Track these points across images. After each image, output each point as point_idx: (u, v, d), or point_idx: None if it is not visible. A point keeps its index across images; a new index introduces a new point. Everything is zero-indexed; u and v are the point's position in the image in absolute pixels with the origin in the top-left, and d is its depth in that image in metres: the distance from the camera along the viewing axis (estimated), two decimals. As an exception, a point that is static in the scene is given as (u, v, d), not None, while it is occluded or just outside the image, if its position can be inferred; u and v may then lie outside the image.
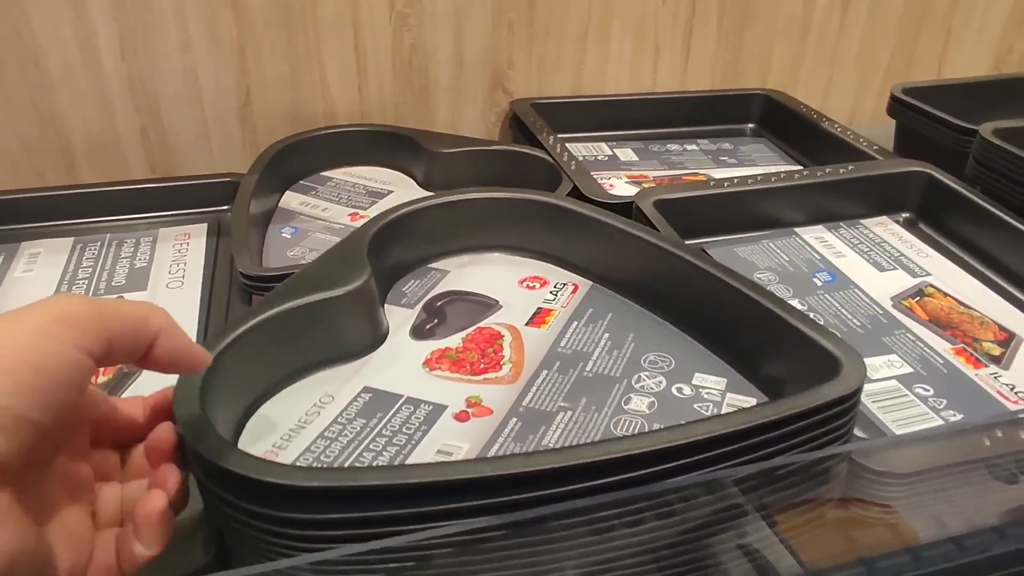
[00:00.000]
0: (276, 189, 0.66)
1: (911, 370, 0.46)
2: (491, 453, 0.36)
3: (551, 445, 0.36)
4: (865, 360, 0.47)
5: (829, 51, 0.85)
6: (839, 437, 0.34)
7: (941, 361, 0.47)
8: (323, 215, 0.64)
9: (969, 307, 0.52)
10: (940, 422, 0.43)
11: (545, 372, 0.42)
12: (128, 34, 0.65)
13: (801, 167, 0.74)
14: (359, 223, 0.63)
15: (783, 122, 0.80)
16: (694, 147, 0.79)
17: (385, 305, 0.47)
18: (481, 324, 0.46)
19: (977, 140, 0.61)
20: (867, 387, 0.45)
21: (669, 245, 0.46)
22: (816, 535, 0.38)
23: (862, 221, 0.62)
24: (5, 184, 0.66)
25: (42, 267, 0.58)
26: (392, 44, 0.72)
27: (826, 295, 0.53)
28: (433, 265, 0.52)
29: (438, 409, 0.39)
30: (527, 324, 0.46)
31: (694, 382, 0.41)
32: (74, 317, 0.26)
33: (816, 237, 0.60)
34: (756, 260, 0.57)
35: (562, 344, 0.44)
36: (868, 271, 0.56)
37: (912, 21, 0.86)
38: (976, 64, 0.91)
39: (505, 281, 0.49)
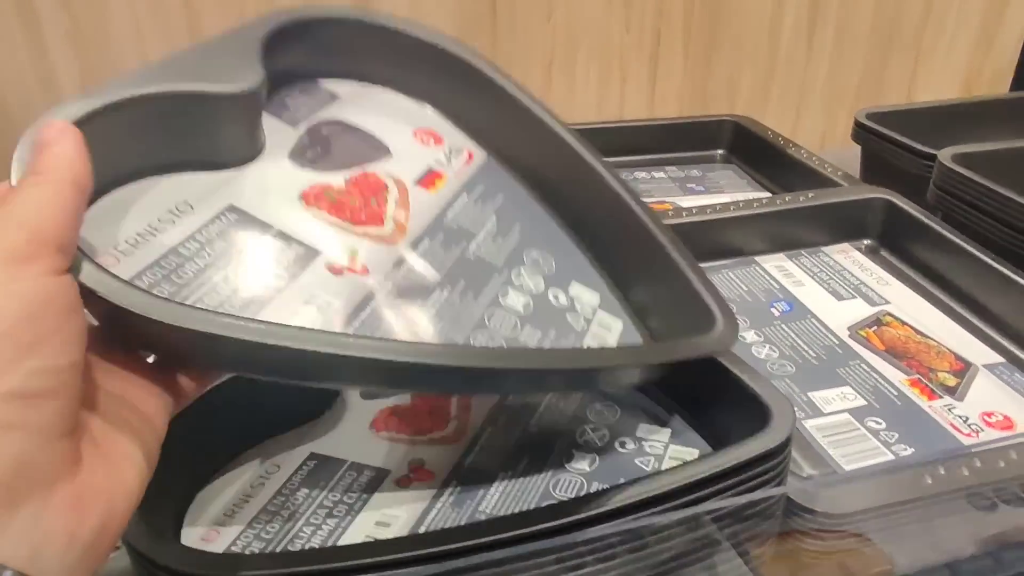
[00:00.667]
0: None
1: (864, 402, 0.46)
2: (359, 317, 0.33)
3: (426, 336, 0.34)
4: (818, 392, 0.47)
5: (797, 76, 0.85)
6: (771, 481, 0.33)
7: (895, 393, 0.47)
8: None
9: (927, 336, 0.52)
10: (891, 456, 0.42)
11: (427, 240, 0.39)
12: (89, 71, 0.65)
13: (769, 193, 0.73)
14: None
15: (752, 148, 0.80)
16: (662, 175, 0.79)
17: (263, 113, 0.39)
18: (367, 168, 0.40)
19: (936, 166, 0.61)
20: (818, 421, 0.45)
21: (576, 141, 0.44)
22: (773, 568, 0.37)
23: (823, 248, 0.62)
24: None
25: None
26: (355, 77, 0.72)
27: (783, 325, 0.53)
28: (325, 85, 0.44)
29: (310, 253, 0.34)
30: (416, 183, 0.41)
31: (570, 292, 0.41)
32: (23, 252, 0.23)
33: (776, 266, 0.60)
34: (714, 290, 0.57)
35: (448, 215, 0.41)
36: (826, 300, 0.55)
37: (880, 45, 0.86)
38: (947, 86, 0.92)
39: (399, 127, 0.44)
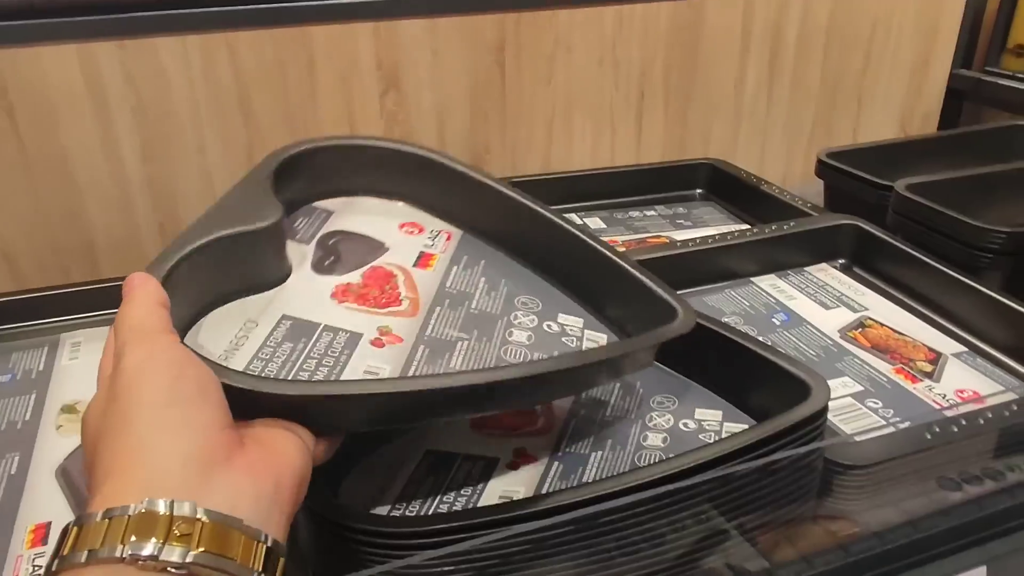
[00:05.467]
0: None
1: (861, 388, 0.56)
2: (409, 373, 0.42)
3: (457, 368, 0.43)
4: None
5: (760, 123, 0.98)
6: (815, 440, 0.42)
7: (885, 379, 0.57)
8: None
9: (902, 334, 0.62)
10: (891, 428, 0.52)
11: (439, 308, 0.47)
12: (149, 142, 0.72)
13: (748, 225, 0.84)
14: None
15: (727, 187, 0.91)
16: (653, 212, 0.89)
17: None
18: (374, 263, 0.50)
19: (893, 195, 0.73)
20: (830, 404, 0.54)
21: (530, 202, 0.53)
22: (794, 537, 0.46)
23: (806, 268, 0.72)
24: (35, 282, 0.71)
25: (85, 354, 0.63)
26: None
27: (784, 332, 0.63)
28: (317, 205, 0.54)
29: (355, 336, 0.44)
30: (414, 266, 0.50)
31: (559, 320, 0.49)
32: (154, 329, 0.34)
33: (770, 284, 0.70)
34: (722, 307, 0.66)
35: (448, 285, 0.49)
36: (816, 310, 0.66)
37: (827, 94, 1.00)
38: (885, 127, 1.05)
39: (386, 225, 0.53)
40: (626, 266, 0.50)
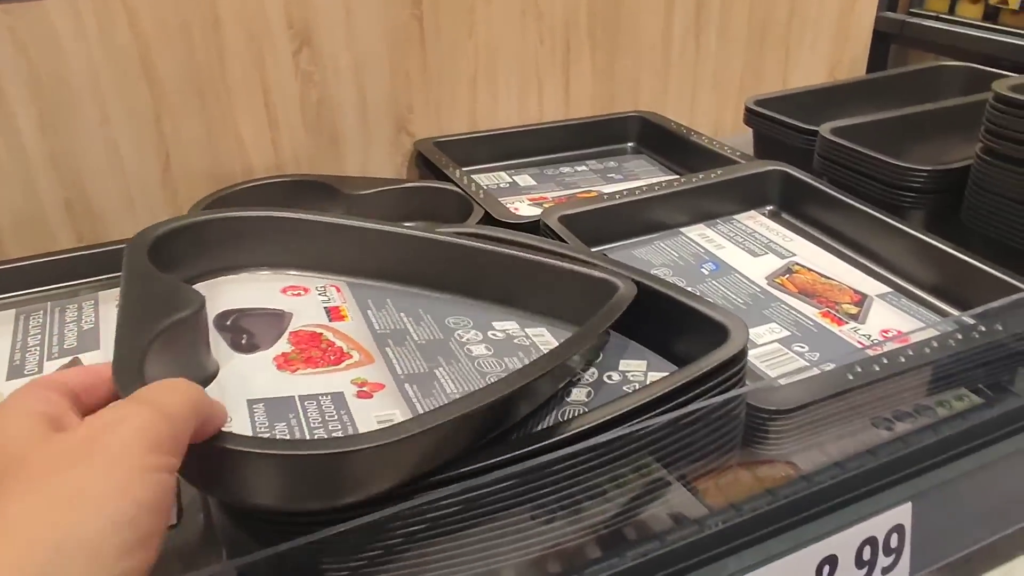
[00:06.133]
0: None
1: (788, 333, 0.55)
2: (417, 411, 0.40)
3: (457, 394, 0.42)
4: (750, 329, 0.56)
5: (689, 73, 0.97)
6: (736, 386, 0.42)
7: (812, 323, 0.56)
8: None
9: (829, 278, 0.62)
10: (817, 371, 0.52)
11: (388, 349, 0.46)
12: (47, 113, 0.68)
13: (678, 176, 0.83)
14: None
15: (658, 139, 0.90)
16: (584, 168, 0.88)
17: None
18: (290, 330, 0.47)
19: (819, 139, 0.73)
20: (755, 351, 0.54)
21: (404, 230, 0.52)
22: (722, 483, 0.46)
23: (735, 216, 0.72)
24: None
25: (-10, 338, 0.60)
26: (300, 100, 0.78)
27: (713, 281, 0.62)
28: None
29: (337, 395, 0.41)
30: (331, 321, 0.48)
31: (499, 328, 0.49)
32: (159, 441, 0.27)
33: (699, 234, 0.69)
34: (651, 259, 0.66)
35: (376, 327, 0.48)
36: (744, 258, 0.65)
37: (755, 42, 0.99)
38: (814, 73, 1.05)
39: (268, 293, 0.50)
40: (529, 256, 0.50)
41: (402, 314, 0.50)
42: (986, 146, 0.60)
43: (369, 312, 0.50)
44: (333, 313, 0.49)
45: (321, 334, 0.47)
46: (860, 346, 0.54)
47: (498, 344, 0.48)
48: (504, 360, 0.46)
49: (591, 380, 0.47)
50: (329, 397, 0.41)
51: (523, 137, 0.88)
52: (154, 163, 0.74)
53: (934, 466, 0.47)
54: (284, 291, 0.50)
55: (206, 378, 0.41)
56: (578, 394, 0.46)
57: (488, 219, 0.67)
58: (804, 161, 0.74)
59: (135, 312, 0.39)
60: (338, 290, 0.51)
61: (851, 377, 0.45)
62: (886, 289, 0.61)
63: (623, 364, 0.48)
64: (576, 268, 0.50)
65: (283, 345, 0.45)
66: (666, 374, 0.47)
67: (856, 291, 0.60)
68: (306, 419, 0.39)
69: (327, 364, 0.44)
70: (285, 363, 0.43)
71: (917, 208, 0.66)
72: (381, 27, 0.78)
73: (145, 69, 0.70)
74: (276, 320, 0.47)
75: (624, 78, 0.93)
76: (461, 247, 0.51)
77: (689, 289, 0.60)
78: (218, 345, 0.44)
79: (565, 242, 0.61)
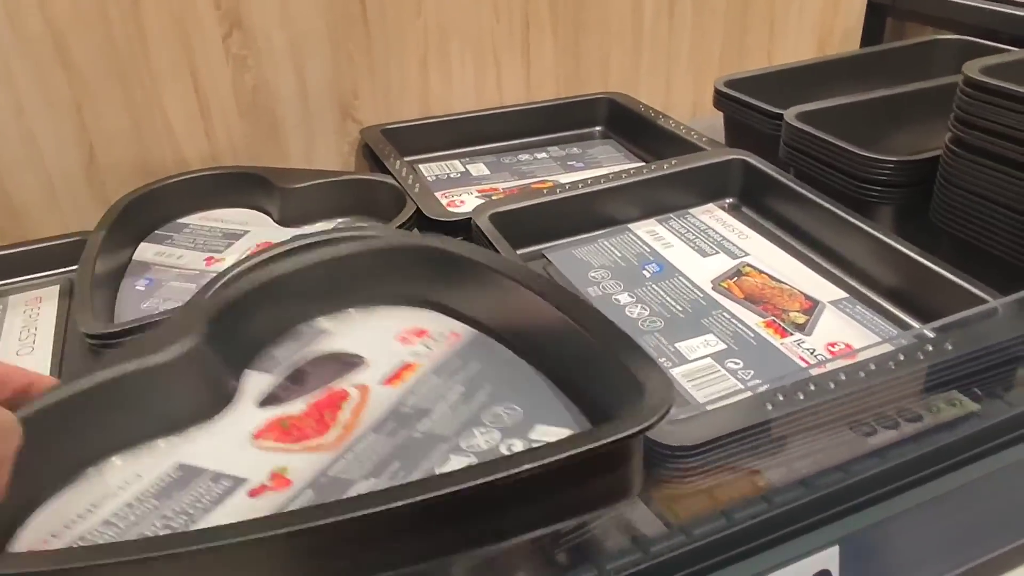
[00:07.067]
0: (129, 242, 0.67)
1: (725, 346, 0.50)
2: None
3: None
4: (684, 343, 0.51)
5: (663, 50, 0.90)
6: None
7: (752, 335, 0.51)
8: (178, 263, 0.64)
9: (780, 281, 0.57)
10: (748, 393, 0.46)
11: (373, 436, 0.39)
12: (-44, 104, 0.65)
13: (645, 164, 0.78)
14: (215, 267, 0.65)
15: (626, 123, 0.84)
16: (544, 155, 0.82)
17: (247, 370, 0.44)
18: (335, 385, 0.43)
19: (784, 125, 0.66)
20: (683, 368, 0.49)
21: (549, 291, 0.43)
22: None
23: (691, 210, 0.67)
24: None
25: None
26: (233, 86, 0.73)
27: (653, 285, 0.57)
28: (314, 324, 0.47)
29: (237, 483, 0.37)
30: (382, 383, 0.43)
31: (531, 435, 0.39)
32: None
33: (648, 231, 0.64)
34: (591, 259, 0.61)
35: (407, 403, 0.41)
36: (693, 258, 0.60)
37: (736, 15, 0.92)
38: (802, 49, 0.98)
39: (384, 336, 0.46)
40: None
41: (461, 388, 0.42)
42: (955, 136, 0.54)
43: (434, 377, 0.43)
44: (398, 373, 0.44)
45: (347, 398, 0.42)
46: (800, 363, 0.49)
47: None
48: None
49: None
50: (230, 482, 0.37)
51: (480, 122, 0.83)
52: (76, 155, 0.70)
53: (867, 504, 0.42)
54: (399, 334, 0.46)
55: (178, 423, 0.40)
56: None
57: (418, 215, 0.63)
58: (774, 149, 0.69)
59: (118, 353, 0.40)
60: (453, 339, 0.46)
61: (770, 407, 0.40)
62: (842, 295, 0.55)
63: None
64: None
65: (298, 406, 0.42)
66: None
67: (808, 297, 0.55)
68: (173, 505, 0.36)
69: (293, 440, 0.40)
70: (267, 430, 0.41)
71: (885, 203, 0.60)
72: (318, 6, 0.73)
73: (60, 55, 0.66)
74: (341, 371, 0.44)
75: (591, 57, 0.87)
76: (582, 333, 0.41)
77: (624, 296, 0.55)
78: (256, 392, 0.43)
79: (495, 247, 0.56)
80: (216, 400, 0.42)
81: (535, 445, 0.38)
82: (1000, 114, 0.50)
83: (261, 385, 0.43)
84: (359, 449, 0.39)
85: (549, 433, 0.39)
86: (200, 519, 0.35)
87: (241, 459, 0.39)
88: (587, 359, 0.40)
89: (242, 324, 0.44)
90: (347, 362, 0.45)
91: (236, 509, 0.36)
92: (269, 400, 0.43)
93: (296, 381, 0.44)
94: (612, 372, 0.37)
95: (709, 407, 0.40)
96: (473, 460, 0.37)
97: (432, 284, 0.48)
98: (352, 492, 0.36)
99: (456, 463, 0.37)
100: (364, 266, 0.47)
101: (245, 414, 0.42)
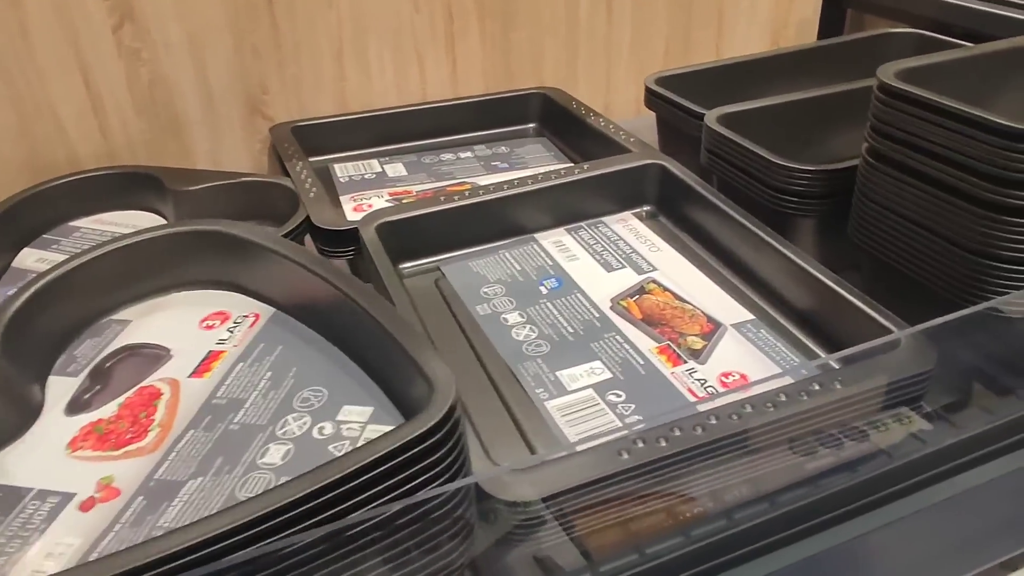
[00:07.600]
0: (9, 248, 0.63)
1: (610, 375, 0.46)
2: (101, 547, 0.33)
3: (167, 526, 0.34)
4: (567, 370, 0.47)
5: (601, 44, 0.85)
6: (446, 472, 0.33)
7: (642, 362, 0.47)
8: (56, 271, 0.60)
9: (684, 300, 0.52)
10: (624, 431, 0.42)
11: (191, 432, 0.39)
12: None
13: (575, 165, 0.73)
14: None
15: (559, 120, 0.80)
16: (468, 154, 0.78)
17: (50, 376, 0.43)
18: (144, 383, 0.42)
19: (704, 128, 0.62)
20: (560, 400, 0.45)
21: (325, 271, 0.44)
22: None
23: (605, 219, 0.62)
24: None
25: None
26: (127, 80, 0.69)
27: (548, 303, 0.53)
28: (114, 317, 0.47)
29: (66, 499, 0.35)
30: (190, 375, 0.43)
31: (339, 418, 0.39)
32: None
33: (554, 241, 0.60)
34: (488, 273, 0.56)
35: (219, 394, 0.41)
36: (596, 272, 0.56)
37: (681, 5, 0.87)
38: (755, 42, 0.93)
39: (187, 323, 0.46)
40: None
41: (268, 374, 0.42)
42: (871, 146, 0.49)
43: (240, 365, 0.43)
44: (205, 362, 0.44)
45: (160, 395, 0.42)
46: (688, 395, 0.44)
47: (309, 446, 0.37)
48: (283, 478, 0.36)
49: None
50: (58, 499, 0.36)
51: (401, 119, 0.78)
52: (-44, 155, 0.66)
53: (744, 559, 0.38)
54: (203, 320, 0.47)
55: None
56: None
57: (308, 222, 0.58)
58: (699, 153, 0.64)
59: None
60: (254, 322, 0.46)
61: (625, 456, 0.36)
62: (747, 316, 0.51)
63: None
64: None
65: (111, 408, 0.41)
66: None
67: (710, 319, 0.50)
68: (12, 529, 0.34)
69: (112, 447, 0.39)
70: (82, 437, 0.39)
71: (805, 216, 0.55)
72: (219, -4, 0.69)
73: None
74: (148, 365, 0.44)
75: (522, 51, 0.83)
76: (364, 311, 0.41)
77: (516, 314, 0.51)
78: (63, 397, 0.42)
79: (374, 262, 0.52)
80: (23, 414, 0.41)
81: (342, 429, 0.38)
82: (916, 124, 0.46)
83: (66, 390, 0.42)
84: (181, 448, 0.38)
85: (354, 413, 0.39)
86: (36, 541, 0.34)
87: (63, 473, 0.37)
88: (375, 342, 0.40)
89: (36, 329, 0.43)
90: (152, 356, 0.45)
91: (71, 526, 0.34)
92: (79, 406, 0.41)
93: (103, 381, 0.43)
94: (398, 358, 0.38)
95: (550, 457, 0.36)
96: (291, 448, 0.37)
97: (227, 266, 0.48)
98: (182, 493, 0.36)
99: (275, 452, 0.37)
100: (156, 253, 0.48)
101: (56, 424, 0.40)
